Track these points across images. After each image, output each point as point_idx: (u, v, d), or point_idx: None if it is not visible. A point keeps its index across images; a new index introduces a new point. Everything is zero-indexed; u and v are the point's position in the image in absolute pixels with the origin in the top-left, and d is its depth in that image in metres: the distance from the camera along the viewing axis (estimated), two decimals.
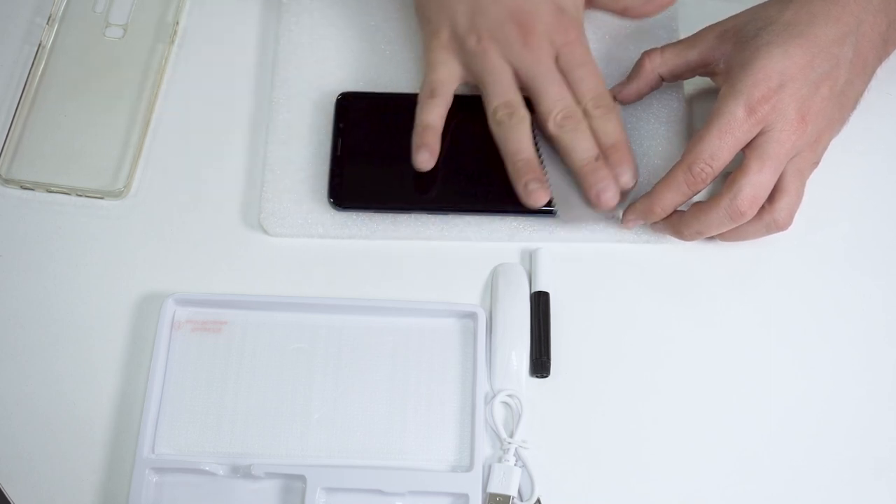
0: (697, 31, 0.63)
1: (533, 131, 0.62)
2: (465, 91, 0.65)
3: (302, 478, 0.57)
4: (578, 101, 0.61)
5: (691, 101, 0.68)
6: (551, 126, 0.61)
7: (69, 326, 0.61)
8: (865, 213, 0.65)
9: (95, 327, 0.61)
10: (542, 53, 0.62)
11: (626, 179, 0.61)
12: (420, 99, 0.63)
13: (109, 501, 0.57)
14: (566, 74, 0.62)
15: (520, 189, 0.61)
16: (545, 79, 0.61)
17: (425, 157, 0.61)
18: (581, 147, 0.60)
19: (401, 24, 0.69)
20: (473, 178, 0.64)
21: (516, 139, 0.61)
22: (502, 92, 0.62)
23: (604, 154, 0.61)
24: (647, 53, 0.64)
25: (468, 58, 0.62)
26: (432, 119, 0.62)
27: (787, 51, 0.57)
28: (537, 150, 0.62)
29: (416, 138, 0.62)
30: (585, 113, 0.61)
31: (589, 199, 0.61)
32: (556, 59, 0.62)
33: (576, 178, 0.61)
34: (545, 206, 0.62)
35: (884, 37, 0.60)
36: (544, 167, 0.62)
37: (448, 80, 0.63)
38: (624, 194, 0.61)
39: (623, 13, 0.67)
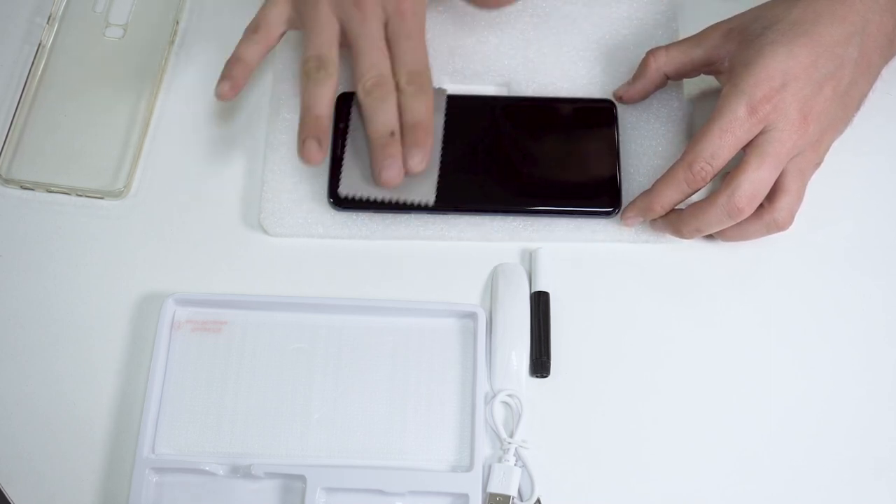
0: (703, 29, 0.63)
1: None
2: (461, 90, 0.65)
3: (302, 478, 0.57)
4: (394, 73, 0.60)
5: (691, 100, 0.68)
6: (359, 90, 0.60)
7: (69, 326, 0.61)
8: (866, 214, 0.65)
9: (95, 327, 0.61)
10: (371, 16, 0.60)
11: (416, 162, 0.59)
12: (244, 32, 0.62)
13: (109, 501, 0.57)
14: (390, 43, 0.61)
15: (298, 143, 0.60)
16: (366, 41, 0.60)
17: (226, 88, 0.60)
18: (381, 119, 0.59)
19: None
20: (473, 177, 0.64)
21: (314, 94, 0.60)
22: (318, 44, 0.60)
23: (403, 132, 0.60)
24: (651, 52, 0.64)
25: (300, 5, 0.61)
26: (247, 54, 0.61)
27: (792, 50, 0.57)
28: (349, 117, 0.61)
29: (225, 69, 0.61)
30: (398, 86, 0.60)
31: (373, 172, 0.60)
32: (386, 26, 0.61)
33: (368, 148, 0.61)
34: (551, 203, 0.62)
35: (889, 37, 0.60)
36: (349, 134, 0.62)
37: (275, 21, 0.62)
38: (412, 184, 0.61)
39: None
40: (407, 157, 0.59)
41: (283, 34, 0.63)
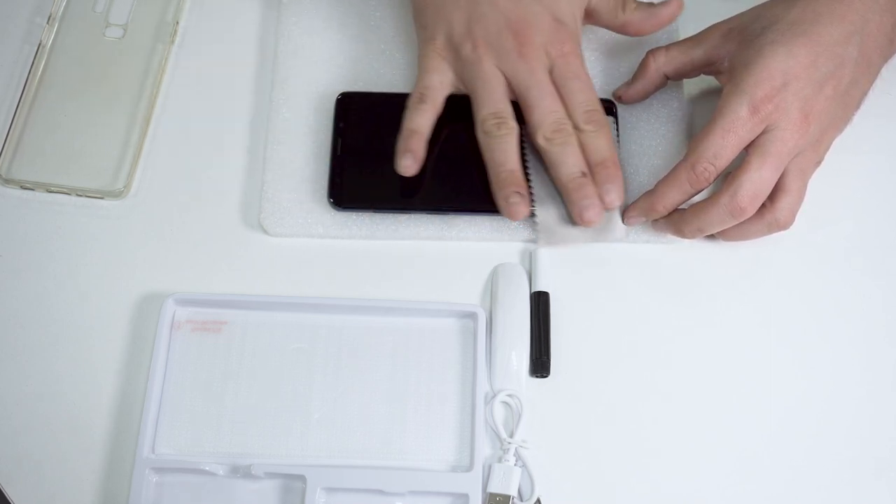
0: (702, 29, 0.63)
1: (522, 144, 0.62)
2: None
3: (302, 478, 0.57)
4: (570, 115, 0.61)
5: (691, 100, 0.68)
6: (540, 139, 0.60)
7: (69, 326, 0.61)
8: (866, 214, 0.65)
9: (95, 327, 0.61)
10: (537, 64, 0.61)
11: (612, 198, 0.60)
12: (409, 104, 0.62)
13: (109, 501, 0.57)
14: (559, 87, 0.61)
15: (500, 201, 0.60)
16: (538, 90, 0.61)
17: (408, 162, 0.61)
18: (569, 162, 0.60)
19: (401, 24, 0.69)
20: (473, 178, 0.64)
21: (502, 150, 0.60)
22: (493, 101, 0.61)
23: (591, 171, 0.60)
24: (651, 52, 0.64)
25: (462, 65, 0.62)
26: (419, 125, 0.62)
27: (792, 50, 0.57)
28: (525, 164, 0.62)
29: (402, 143, 0.61)
30: (576, 127, 0.60)
31: (572, 215, 0.60)
32: (551, 71, 0.61)
33: (561, 193, 0.61)
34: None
35: (889, 36, 0.60)
36: (530, 182, 0.62)
37: (439, 87, 0.62)
38: (607, 222, 0.61)
39: (621, 30, 0.65)
40: (603, 194, 0.60)
41: (446, 98, 0.63)
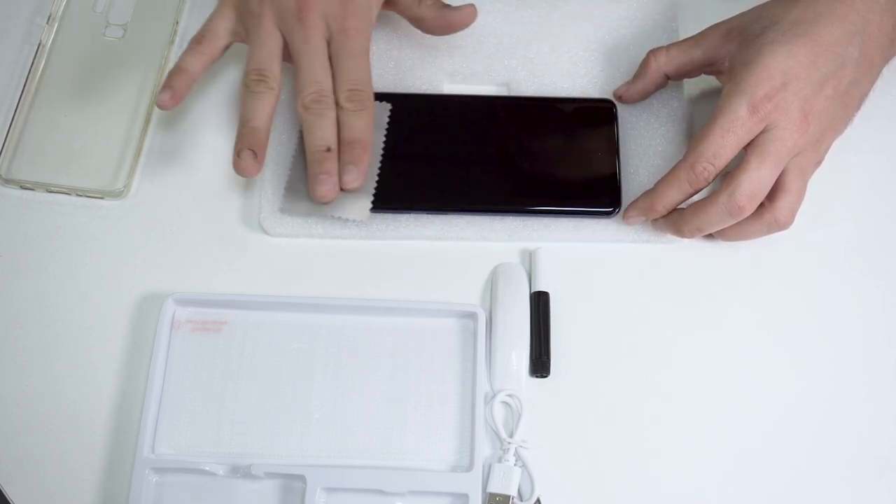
0: (703, 29, 0.63)
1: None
2: (461, 91, 0.65)
3: (302, 478, 0.57)
4: (335, 90, 0.61)
5: (691, 100, 0.68)
6: (299, 105, 0.60)
7: (69, 326, 0.61)
8: (866, 214, 0.65)
9: (95, 327, 0.61)
10: (314, 32, 0.61)
11: (351, 178, 0.60)
12: (189, 42, 0.62)
13: (109, 501, 0.57)
14: (333, 60, 0.61)
15: (234, 156, 0.60)
16: (308, 57, 0.61)
17: (165, 97, 0.60)
18: (319, 134, 0.60)
19: (401, 24, 0.69)
20: (473, 178, 0.64)
21: (252, 106, 0.60)
22: (260, 58, 0.61)
23: (340, 148, 0.60)
24: (652, 52, 0.64)
25: (245, 18, 0.62)
26: (190, 64, 0.61)
27: (792, 50, 0.57)
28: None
29: (167, 77, 0.61)
30: (338, 103, 0.61)
31: (309, 187, 0.61)
32: (329, 43, 0.61)
33: (306, 163, 0.61)
34: (551, 203, 0.62)
35: (890, 37, 0.60)
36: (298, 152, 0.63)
37: (220, 33, 0.62)
38: (345, 201, 0.61)
39: (417, 24, 0.65)
40: (343, 173, 0.60)
41: (227, 46, 0.63)
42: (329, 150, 0.60)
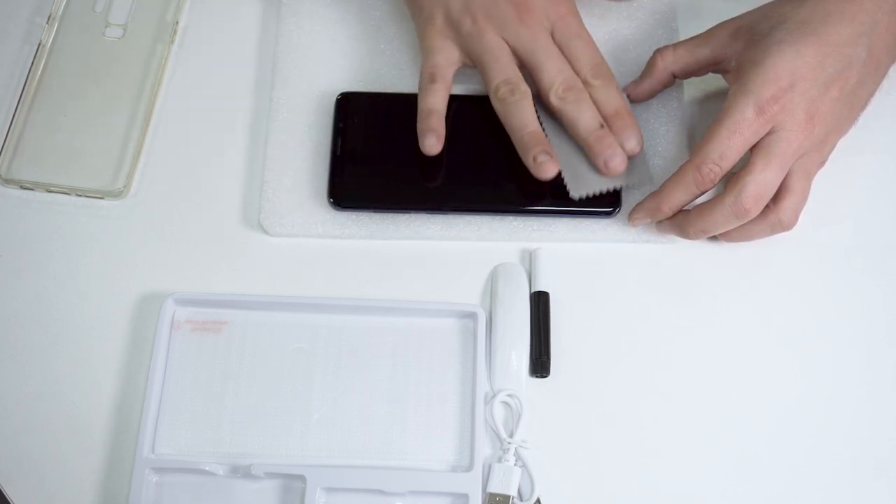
0: (710, 28, 0.63)
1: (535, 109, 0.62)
2: (461, 91, 0.65)
3: (302, 478, 0.57)
4: (577, 73, 0.62)
5: (691, 100, 0.68)
6: (553, 99, 0.61)
7: (69, 326, 0.61)
8: (866, 214, 0.65)
9: (95, 327, 0.61)
10: (538, 28, 0.62)
11: (632, 145, 0.61)
12: (421, 85, 0.63)
13: (109, 501, 0.57)
14: (563, 47, 0.62)
15: (529, 163, 0.61)
16: (543, 53, 0.62)
17: (432, 141, 0.62)
18: (585, 117, 0.61)
19: (401, 24, 0.69)
20: (473, 177, 0.64)
21: (520, 115, 0.61)
22: (502, 69, 0.62)
23: (607, 122, 0.61)
24: (659, 51, 0.64)
25: (465, 40, 0.63)
26: (435, 103, 0.62)
27: (800, 50, 0.57)
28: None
29: (422, 124, 0.62)
30: (585, 83, 0.62)
31: (598, 167, 0.61)
32: (552, 34, 0.63)
33: (584, 148, 0.62)
34: (551, 203, 0.63)
35: None
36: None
37: (446, 64, 0.63)
38: (632, 167, 0.62)
39: None
40: (623, 142, 0.61)
41: (455, 74, 0.64)
42: (602, 126, 0.61)
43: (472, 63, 0.63)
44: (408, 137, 0.64)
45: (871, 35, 0.58)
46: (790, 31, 0.58)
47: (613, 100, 0.62)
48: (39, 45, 0.68)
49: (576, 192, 0.62)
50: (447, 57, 0.63)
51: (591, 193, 0.62)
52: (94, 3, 0.70)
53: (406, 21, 0.69)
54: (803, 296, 0.63)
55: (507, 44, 0.62)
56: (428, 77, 0.63)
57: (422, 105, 0.63)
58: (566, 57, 0.62)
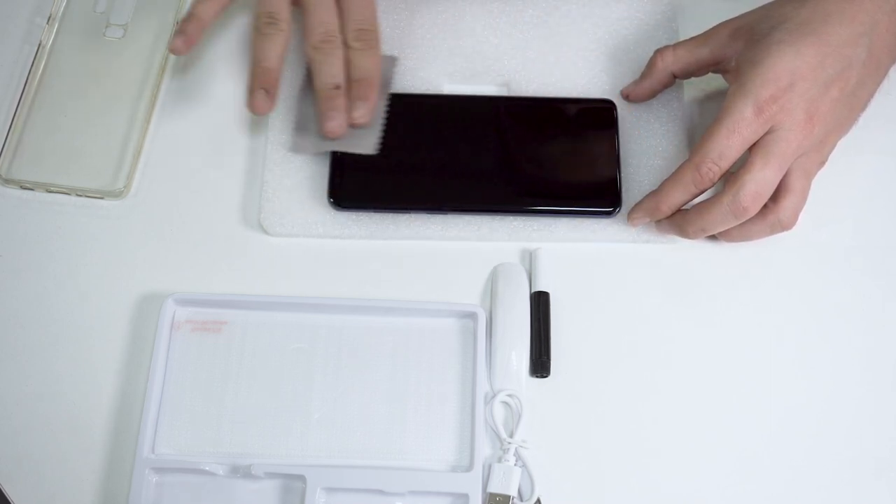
0: (710, 27, 0.63)
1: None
2: (461, 91, 0.65)
3: (302, 478, 0.57)
4: (342, 30, 0.63)
5: (691, 100, 0.68)
6: (308, 46, 0.62)
7: (69, 326, 0.61)
8: (868, 214, 0.65)
9: (95, 327, 0.61)
10: None
11: (360, 114, 0.62)
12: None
13: (109, 501, 0.57)
14: (340, 2, 0.63)
15: (248, 95, 0.62)
16: (317, 1, 0.63)
17: (179, 42, 0.62)
18: (328, 72, 0.62)
19: (400, 24, 0.69)
20: (473, 177, 0.64)
21: (263, 47, 0.62)
22: (270, 1, 0.63)
23: (350, 86, 0.62)
24: (659, 51, 0.64)
25: None
26: (202, 11, 0.63)
27: (799, 50, 0.57)
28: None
29: (179, 26, 0.62)
30: (346, 43, 0.63)
31: (318, 123, 0.62)
32: None
33: (315, 101, 0.63)
34: (551, 203, 0.62)
35: None
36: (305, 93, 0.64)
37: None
38: (353, 136, 0.63)
39: None
40: (352, 109, 0.62)
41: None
42: (338, 87, 0.62)
43: None
44: (408, 137, 0.64)
45: (871, 35, 0.58)
46: (790, 31, 0.58)
47: (365, 67, 0.62)
48: (39, 45, 0.68)
49: (294, 147, 0.64)
50: None
51: (307, 152, 0.63)
52: (94, 3, 0.70)
53: (406, 21, 0.69)
54: (803, 296, 0.63)
55: None
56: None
57: (190, 10, 0.63)
58: (340, 11, 0.63)
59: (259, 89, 0.61)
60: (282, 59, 0.62)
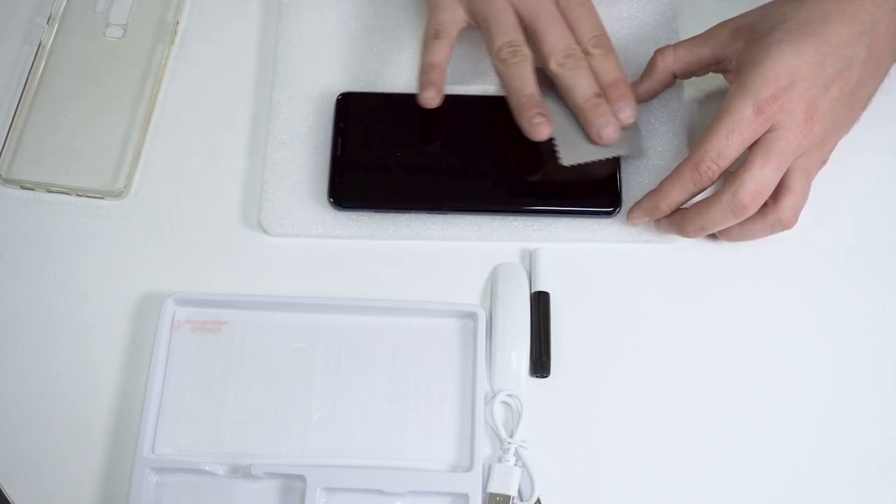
0: (711, 27, 0.63)
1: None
2: (461, 90, 0.65)
3: (302, 478, 0.57)
4: (578, 42, 0.63)
5: (691, 100, 0.68)
6: (553, 65, 0.62)
7: (69, 326, 0.61)
8: (868, 214, 0.65)
9: (95, 327, 0.61)
10: None
11: (627, 115, 0.62)
12: (425, 40, 0.64)
13: (109, 501, 0.57)
14: (566, 15, 0.63)
15: (524, 124, 0.62)
16: (547, 19, 0.63)
17: (432, 94, 0.63)
18: (582, 84, 0.62)
19: (401, 23, 0.69)
20: (473, 178, 0.64)
21: (519, 76, 0.62)
22: (505, 31, 0.63)
23: (604, 92, 0.62)
24: (659, 51, 0.64)
25: (471, 1, 0.64)
26: (438, 58, 0.64)
27: (799, 49, 0.57)
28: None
29: (423, 77, 0.63)
30: (585, 52, 0.63)
31: (590, 136, 0.62)
32: (557, 1, 0.63)
33: (578, 116, 0.62)
34: (551, 203, 0.63)
35: None
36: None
37: (451, 23, 0.64)
38: (624, 137, 0.62)
39: None
40: (617, 112, 0.62)
41: (460, 32, 0.65)
42: (598, 95, 0.62)
43: (477, 24, 0.64)
44: (408, 137, 0.64)
45: (871, 35, 0.58)
46: (790, 30, 0.58)
47: (612, 70, 0.63)
48: (39, 45, 0.68)
49: (567, 159, 0.62)
50: (452, 16, 0.64)
51: (581, 161, 0.62)
52: (94, 3, 0.70)
53: (406, 21, 0.69)
54: (803, 296, 0.63)
55: (512, 7, 0.63)
56: (433, 33, 0.64)
57: (424, 59, 0.64)
58: (569, 25, 0.63)
59: (536, 115, 0.61)
60: (536, 83, 0.62)
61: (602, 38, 0.63)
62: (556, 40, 0.62)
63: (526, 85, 0.62)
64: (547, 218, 0.64)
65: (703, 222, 0.60)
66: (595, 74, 0.62)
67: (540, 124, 0.61)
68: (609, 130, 0.61)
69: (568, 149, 0.62)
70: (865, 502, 0.58)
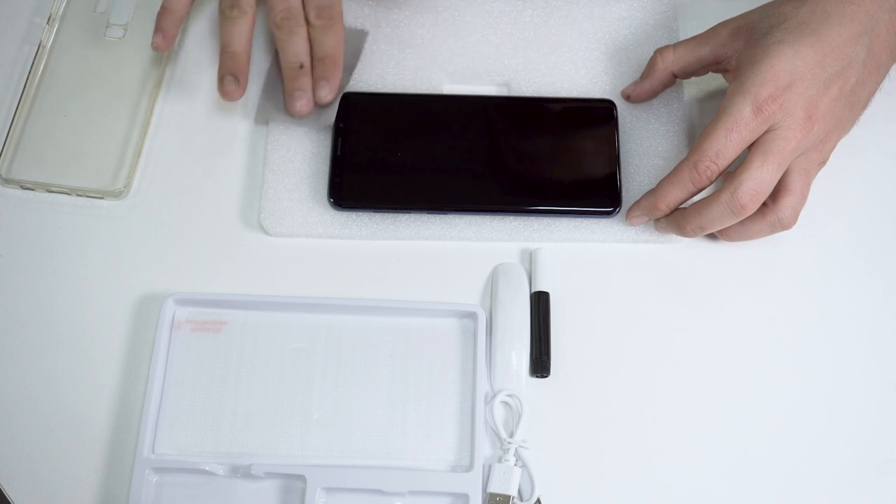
0: (710, 27, 0.63)
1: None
2: (461, 91, 0.66)
3: (302, 478, 0.57)
4: (304, 8, 0.63)
5: (692, 100, 0.68)
6: (271, 24, 0.63)
7: (69, 326, 0.61)
8: (868, 214, 0.65)
9: (95, 327, 0.61)
10: None
11: (324, 94, 0.63)
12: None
13: (109, 501, 0.57)
14: None
15: (217, 81, 0.63)
16: None
17: (158, 39, 0.64)
18: (291, 50, 0.63)
19: (401, 23, 0.69)
20: (473, 178, 0.64)
21: (229, 31, 0.63)
22: None
23: (313, 64, 0.63)
24: (659, 51, 0.64)
25: None
26: (175, 4, 0.64)
27: (799, 50, 0.57)
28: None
29: (156, 23, 0.64)
30: (308, 21, 0.63)
31: (285, 102, 0.63)
32: None
33: (282, 79, 0.64)
34: (551, 203, 0.62)
35: None
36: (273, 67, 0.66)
37: None
38: (319, 114, 0.64)
39: None
40: (316, 88, 0.63)
41: None
42: (302, 66, 0.63)
43: None
44: (408, 137, 0.64)
45: (871, 35, 0.58)
46: (789, 30, 0.58)
47: (328, 45, 0.63)
48: (39, 45, 0.68)
49: (258, 119, 0.65)
50: None
51: (269, 122, 0.64)
52: (94, 3, 0.70)
53: (407, 21, 0.69)
54: (804, 295, 0.63)
55: None
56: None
57: (163, 4, 0.64)
58: None
59: (228, 75, 0.62)
60: (249, 42, 0.63)
61: (328, 9, 0.63)
62: (278, 1, 0.63)
63: (232, 42, 0.63)
64: (547, 218, 0.64)
65: (702, 222, 0.60)
66: (311, 45, 0.63)
67: (228, 85, 0.62)
68: (300, 104, 0.62)
69: (264, 109, 0.64)
70: (868, 501, 0.58)
